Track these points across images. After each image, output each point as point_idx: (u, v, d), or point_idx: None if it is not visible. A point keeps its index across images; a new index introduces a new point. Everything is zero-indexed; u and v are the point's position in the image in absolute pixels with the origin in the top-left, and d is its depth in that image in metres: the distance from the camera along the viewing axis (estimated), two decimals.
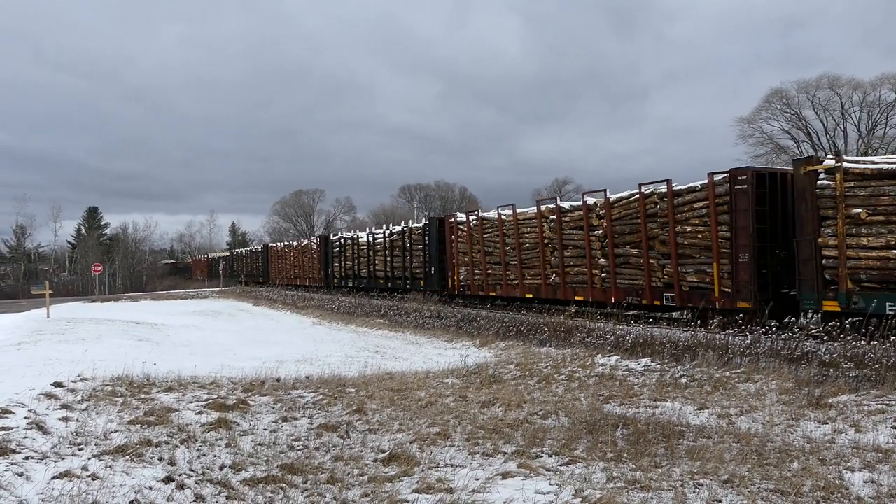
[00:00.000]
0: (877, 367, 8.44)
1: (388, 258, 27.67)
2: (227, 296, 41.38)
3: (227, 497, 4.69)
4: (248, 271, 53.60)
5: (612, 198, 15.93)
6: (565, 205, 17.78)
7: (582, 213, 16.86)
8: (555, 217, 17.76)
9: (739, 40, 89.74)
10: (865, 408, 7.17)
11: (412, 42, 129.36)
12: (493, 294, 20.84)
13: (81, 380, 8.65)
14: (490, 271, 20.71)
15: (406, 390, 9.04)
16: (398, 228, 27.41)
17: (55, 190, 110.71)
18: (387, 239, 27.87)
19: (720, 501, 4.49)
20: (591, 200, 16.73)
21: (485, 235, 20.88)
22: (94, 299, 40.32)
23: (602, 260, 16.27)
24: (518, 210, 19.46)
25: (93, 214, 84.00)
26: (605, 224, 16.07)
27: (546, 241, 18.10)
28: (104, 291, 53.57)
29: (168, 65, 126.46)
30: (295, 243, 42.93)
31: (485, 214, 21.27)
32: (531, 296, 18.94)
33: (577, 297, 17.00)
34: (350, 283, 32.10)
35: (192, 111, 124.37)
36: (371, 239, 29.70)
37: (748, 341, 10.53)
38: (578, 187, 64.40)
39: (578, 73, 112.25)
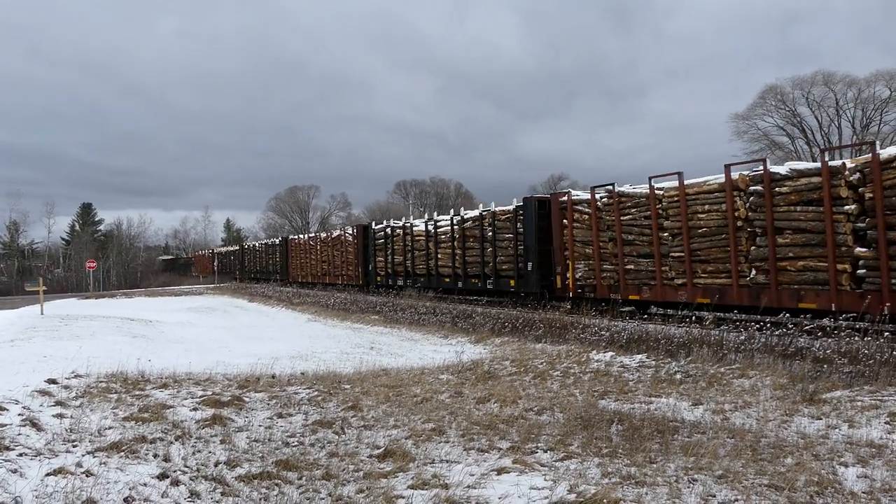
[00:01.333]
0: (870, 363, 8.48)
1: (459, 251, 22.12)
2: (221, 292, 41.28)
3: (222, 493, 4.68)
4: (261, 267, 47.12)
5: (887, 154, 10.82)
6: (781, 169, 12.46)
7: (818, 179, 11.61)
8: (760, 188, 12.46)
9: (739, 37, 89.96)
10: (859, 403, 7.20)
11: (411, 38, 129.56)
12: (637, 297, 15.25)
13: (76, 376, 8.63)
14: (631, 266, 15.33)
15: (401, 386, 9.04)
16: (474, 213, 21.79)
17: (50, 186, 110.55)
18: (455, 227, 22.36)
19: (714, 496, 4.51)
20: (835, 162, 11.82)
21: (623, 218, 15.44)
22: (89, 296, 40.19)
23: (861, 249, 11.06)
24: (687, 181, 14.03)
25: (87, 211, 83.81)
26: (867, 194, 10.91)
27: (740, 223, 12.86)
28: (98, 288, 53.42)
29: (165, 59, 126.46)
30: (323, 235, 36.11)
31: (624, 189, 15.67)
32: (707, 300, 13.53)
33: (802, 304, 11.85)
34: (400, 283, 26.38)
35: (190, 106, 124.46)
36: (432, 227, 23.95)
37: (742, 337, 10.56)
38: (574, 183, 64.55)
39: (577, 69, 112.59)
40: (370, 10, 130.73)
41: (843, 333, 9.76)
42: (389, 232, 27.21)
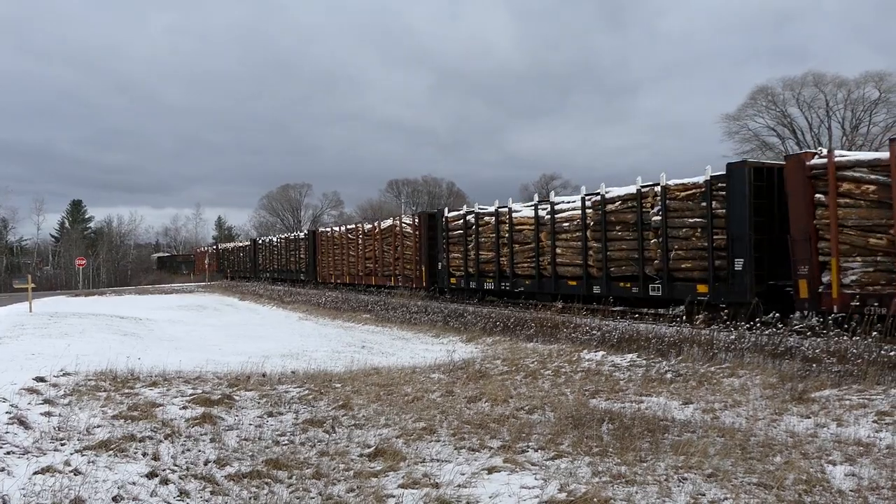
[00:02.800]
0: (858, 363, 8.54)
1: (597, 243, 15.82)
2: (212, 290, 41.15)
3: (212, 492, 4.66)
4: (279, 266, 40.79)
5: None
6: None
7: None
8: None
9: (732, 35, 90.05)
10: (847, 402, 7.25)
11: (404, 34, 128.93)
12: None
13: (64, 374, 8.58)
14: None
15: (392, 385, 9.03)
16: (625, 190, 15.33)
17: (39, 182, 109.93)
18: (590, 210, 16.11)
19: (704, 495, 4.52)
20: None
21: None
22: (78, 293, 39.96)
23: None
24: None
25: (77, 208, 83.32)
26: None
27: None
28: (88, 286, 53.14)
29: (157, 55, 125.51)
30: (368, 226, 29.10)
31: None
32: None
33: None
34: (488, 285, 20.15)
35: (182, 102, 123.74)
36: (546, 213, 17.56)
37: (733, 337, 10.61)
38: (566, 183, 64.76)
39: (570, 67, 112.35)
40: (363, 5, 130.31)
41: (831, 333, 9.82)
42: (473, 220, 20.76)
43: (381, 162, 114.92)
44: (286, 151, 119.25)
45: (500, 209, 19.70)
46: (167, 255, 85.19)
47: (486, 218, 20.27)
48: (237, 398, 7.84)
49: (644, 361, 10.27)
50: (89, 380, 8.39)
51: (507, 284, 19.28)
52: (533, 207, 18.45)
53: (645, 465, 5.21)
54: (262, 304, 29.50)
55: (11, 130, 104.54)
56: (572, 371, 10.12)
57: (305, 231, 37.86)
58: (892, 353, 8.53)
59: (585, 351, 11.41)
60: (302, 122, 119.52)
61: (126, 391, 7.92)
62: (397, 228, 25.95)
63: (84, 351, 11.12)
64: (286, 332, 18.34)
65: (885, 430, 6.19)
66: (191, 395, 7.86)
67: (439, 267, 22.88)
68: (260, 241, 46.49)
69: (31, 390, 7.37)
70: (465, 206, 22.24)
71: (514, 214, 19.01)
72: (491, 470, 5.14)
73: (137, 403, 7.20)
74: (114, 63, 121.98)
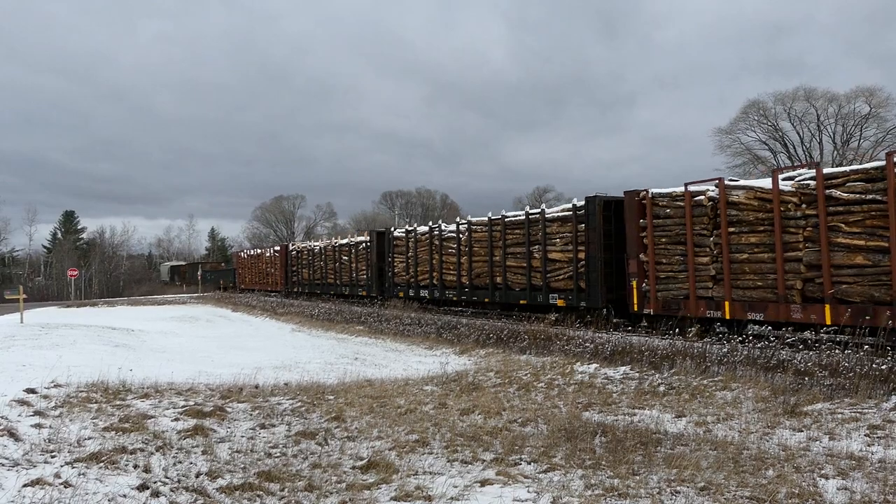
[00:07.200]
0: (850, 376, 8.57)
1: None
2: (205, 302, 40.97)
3: None
4: (467, 278, 20.81)
5: None
6: None
7: None
8: None
9: (726, 47, 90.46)
10: (839, 416, 7.27)
11: (398, 45, 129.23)
12: None
13: (55, 386, 8.53)
14: None
15: (385, 397, 9.01)
16: None
17: (31, 192, 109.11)
18: None
19: None
20: None
21: None
22: (70, 304, 39.74)
23: None
24: None
25: (69, 218, 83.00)
26: None
27: None
28: (80, 296, 52.87)
29: (148, 64, 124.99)
30: (747, 183, 12.38)
31: None
32: None
33: None
34: None
35: (173, 112, 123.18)
36: None
37: (725, 350, 10.63)
38: (560, 195, 65.01)
39: (564, 78, 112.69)
40: (356, 16, 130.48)
41: (823, 346, 9.86)
42: None
43: (375, 173, 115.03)
44: (278, 162, 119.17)
45: None
46: (182, 263, 75.38)
47: None
48: (229, 410, 7.81)
49: (637, 374, 10.28)
50: (80, 391, 8.34)
51: None
52: None
53: (637, 478, 5.21)
54: (255, 316, 29.39)
55: (2, 140, 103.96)
56: (565, 383, 10.12)
57: (524, 210, 18.98)
58: (883, 367, 8.57)
59: (578, 363, 11.41)
60: (294, 132, 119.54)
61: (117, 403, 7.88)
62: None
63: (75, 362, 11.05)
64: (279, 343, 18.27)
65: (877, 444, 6.21)
66: (183, 406, 7.82)
67: None
68: (397, 234, 25.73)
69: (22, 402, 7.32)
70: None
71: None
72: (484, 483, 5.13)
73: (129, 415, 7.17)
74: (103, 72, 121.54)
